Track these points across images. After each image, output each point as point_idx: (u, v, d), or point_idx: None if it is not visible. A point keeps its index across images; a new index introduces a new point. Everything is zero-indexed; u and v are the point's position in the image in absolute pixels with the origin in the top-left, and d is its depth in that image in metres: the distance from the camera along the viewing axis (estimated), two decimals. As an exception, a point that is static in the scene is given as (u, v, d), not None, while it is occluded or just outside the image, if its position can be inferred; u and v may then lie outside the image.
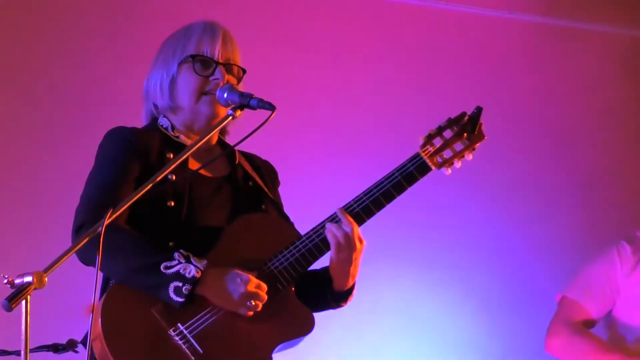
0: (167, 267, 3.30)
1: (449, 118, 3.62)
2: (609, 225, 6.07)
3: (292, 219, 3.77)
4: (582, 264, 4.72)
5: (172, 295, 3.29)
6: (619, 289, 4.52)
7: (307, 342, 3.56)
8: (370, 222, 3.55)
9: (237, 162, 3.72)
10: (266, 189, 3.74)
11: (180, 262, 3.31)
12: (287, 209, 3.81)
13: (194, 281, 3.30)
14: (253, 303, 3.35)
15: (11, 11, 5.54)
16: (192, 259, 3.33)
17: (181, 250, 3.34)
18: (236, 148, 3.68)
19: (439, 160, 3.56)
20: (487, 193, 6.13)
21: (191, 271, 3.30)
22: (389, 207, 3.55)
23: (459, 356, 6.09)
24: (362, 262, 3.60)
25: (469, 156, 3.60)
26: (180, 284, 3.29)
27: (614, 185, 6.45)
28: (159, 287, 3.30)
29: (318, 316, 3.53)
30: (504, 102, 6.11)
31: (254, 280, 3.36)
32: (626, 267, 4.54)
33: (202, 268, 3.32)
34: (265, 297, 3.37)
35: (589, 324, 4.55)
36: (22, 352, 2.87)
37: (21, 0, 5.63)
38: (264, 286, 3.38)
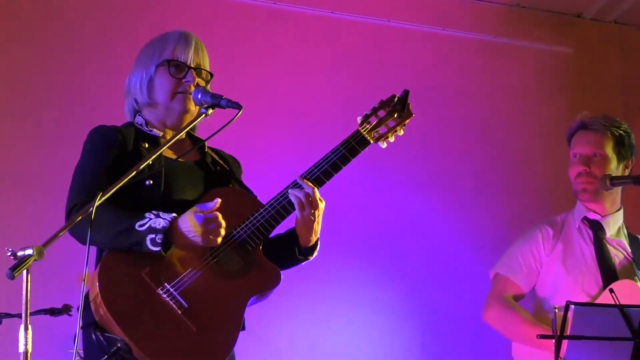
0: (141, 225, 3.36)
1: (382, 100, 3.73)
2: (528, 210, 6.12)
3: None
4: (507, 244, 4.76)
5: (150, 246, 3.34)
6: (542, 266, 4.57)
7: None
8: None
9: (205, 151, 3.79)
10: (232, 172, 3.82)
11: (151, 219, 3.37)
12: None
13: (164, 230, 3.35)
14: (218, 230, 3.38)
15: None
16: (160, 214, 3.39)
17: (152, 211, 3.41)
18: (207, 145, 3.78)
19: (376, 135, 3.67)
20: (418, 184, 6.13)
21: (161, 223, 3.35)
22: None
23: (391, 333, 6.11)
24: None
25: (400, 131, 3.72)
26: (154, 235, 3.33)
27: (531, 177, 6.49)
28: (139, 244, 3.35)
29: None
30: (435, 106, 6.11)
31: (204, 211, 3.37)
32: (548, 247, 4.57)
33: (169, 219, 3.38)
34: (222, 222, 3.39)
35: (518, 297, 4.59)
36: (23, 315, 2.93)
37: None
38: (216, 214, 3.38)
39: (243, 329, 3.58)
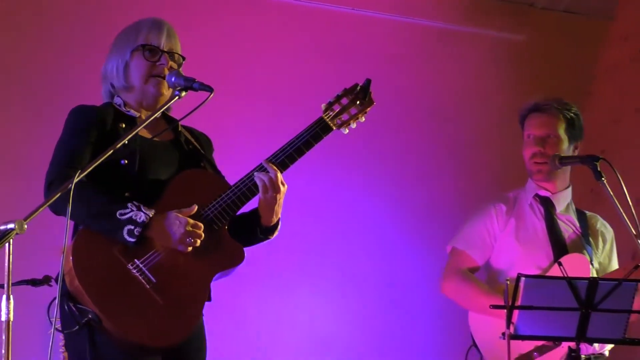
0: (122, 214, 3.36)
1: (345, 88, 3.73)
2: (480, 187, 6.14)
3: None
4: (461, 220, 4.77)
5: (126, 236, 3.35)
6: (496, 240, 4.59)
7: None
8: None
9: (179, 130, 3.79)
10: (203, 152, 3.81)
11: (132, 210, 3.37)
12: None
13: (143, 225, 3.36)
14: (191, 240, 3.42)
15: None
16: (142, 208, 3.39)
17: (134, 202, 3.40)
18: (181, 124, 3.77)
19: (338, 122, 3.67)
20: (380, 160, 6.16)
21: (141, 217, 3.36)
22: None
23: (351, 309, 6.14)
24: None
25: (362, 119, 3.72)
26: (133, 227, 3.34)
27: (484, 156, 6.52)
28: (116, 230, 3.35)
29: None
30: (397, 91, 6.13)
31: (191, 221, 3.42)
32: (501, 223, 4.59)
33: (150, 215, 3.38)
34: (202, 234, 3.44)
35: (474, 269, 4.60)
36: (5, 285, 2.94)
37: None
38: (200, 225, 3.44)
39: (209, 300, 3.59)
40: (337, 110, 3.68)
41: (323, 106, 3.68)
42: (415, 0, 6.52)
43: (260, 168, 3.58)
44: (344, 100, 3.69)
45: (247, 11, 6.05)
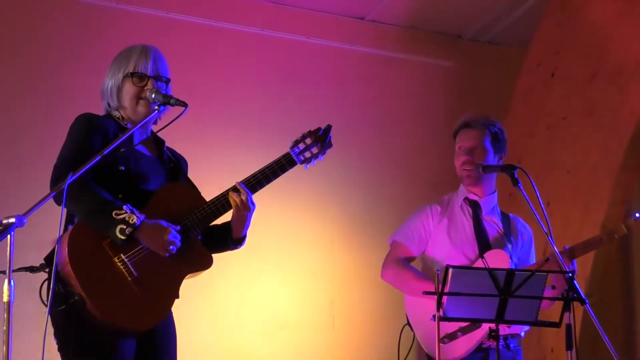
0: (117, 214, 3.36)
1: (310, 130, 3.76)
2: (422, 192, 6.17)
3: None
4: (404, 217, 4.78)
5: (117, 233, 3.35)
6: (430, 235, 4.59)
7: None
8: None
9: (164, 148, 3.81)
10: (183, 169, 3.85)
11: (127, 212, 3.37)
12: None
13: (134, 226, 3.37)
14: (170, 247, 3.44)
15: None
16: (135, 212, 3.40)
17: (129, 205, 3.41)
18: (166, 145, 3.82)
19: (301, 158, 3.72)
20: (336, 167, 6.17)
21: (133, 219, 3.37)
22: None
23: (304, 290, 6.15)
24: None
25: (322, 158, 3.77)
26: (125, 227, 3.35)
27: (422, 165, 6.55)
28: (109, 227, 3.35)
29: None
30: (345, 109, 6.15)
31: (173, 232, 3.45)
32: (436, 221, 4.59)
33: (142, 218, 3.40)
34: (179, 244, 3.47)
35: (410, 259, 4.60)
36: (7, 272, 2.96)
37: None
38: (179, 236, 3.47)
39: (177, 297, 3.58)
40: (302, 149, 3.71)
41: (290, 142, 3.72)
42: (360, 31, 6.58)
43: (234, 189, 3.62)
44: (308, 140, 3.72)
45: (216, 40, 6.06)
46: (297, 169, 3.76)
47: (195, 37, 5.99)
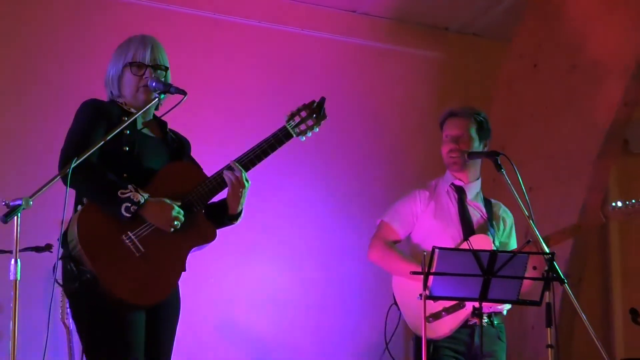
0: (122, 193, 3.39)
1: (304, 103, 3.76)
2: (410, 177, 6.17)
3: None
4: (393, 200, 4.78)
5: (123, 211, 3.39)
6: (417, 219, 4.60)
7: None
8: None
9: (167, 130, 3.82)
10: (185, 150, 3.86)
11: (131, 191, 3.40)
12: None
13: (139, 204, 3.40)
14: (175, 223, 3.46)
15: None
16: (139, 191, 3.43)
17: (133, 185, 3.44)
18: (169, 127, 3.83)
19: (297, 130, 3.71)
20: (324, 157, 6.18)
21: (138, 197, 3.40)
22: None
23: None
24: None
25: (316, 129, 3.76)
26: (130, 205, 3.38)
27: (411, 152, 6.55)
28: (115, 206, 3.38)
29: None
30: (337, 99, 6.10)
31: (176, 209, 3.47)
32: (423, 205, 4.60)
33: (145, 197, 3.43)
34: (182, 219, 3.48)
35: (396, 241, 4.62)
36: (13, 251, 2.99)
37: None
38: (182, 212, 3.49)
39: (184, 270, 3.61)
40: (297, 121, 3.71)
41: (286, 117, 3.72)
42: (352, 23, 6.56)
43: (229, 167, 3.62)
44: (303, 113, 3.72)
45: (215, 31, 6.04)
46: (294, 146, 3.75)
47: (193, 28, 5.96)
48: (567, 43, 6.29)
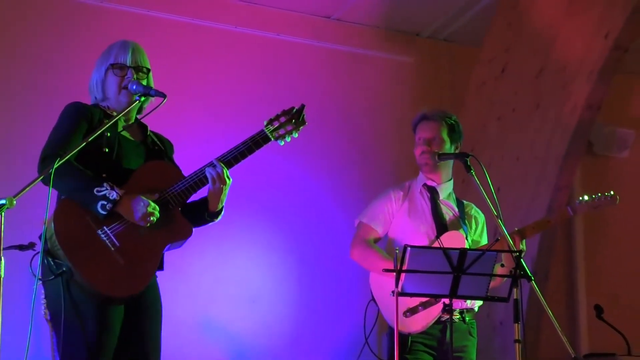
0: (98, 191, 3.40)
1: (283, 109, 3.73)
2: (384, 178, 6.21)
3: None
4: (369, 200, 4.79)
5: (99, 209, 3.39)
6: (393, 217, 4.62)
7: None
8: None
9: (148, 134, 3.81)
10: (165, 152, 3.84)
11: (107, 189, 3.41)
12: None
13: (114, 202, 3.40)
14: (149, 219, 3.45)
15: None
16: (114, 188, 3.43)
17: (109, 182, 3.44)
18: (150, 129, 3.82)
19: (276, 135, 3.69)
20: (304, 158, 6.20)
21: (113, 195, 3.40)
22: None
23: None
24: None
25: (295, 135, 3.74)
26: (105, 202, 3.39)
27: (385, 154, 6.59)
28: (91, 203, 3.39)
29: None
30: (312, 104, 6.08)
31: (152, 204, 3.46)
32: (397, 204, 4.61)
33: (120, 194, 3.42)
34: (158, 215, 3.47)
35: (376, 239, 4.63)
36: None
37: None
38: (157, 208, 3.48)
39: (161, 269, 3.64)
40: (276, 126, 3.68)
41: (265, 121, 3.70)
42: (326, 29, 6.57)
43: (211, 164, 3.61)
44: (282, 119, 3.69)
45: (193, 36, 6.05)
46: (273, 149, 3.75)
47: (172, 33, 5.96)
48: (534, 48, 6.34)
